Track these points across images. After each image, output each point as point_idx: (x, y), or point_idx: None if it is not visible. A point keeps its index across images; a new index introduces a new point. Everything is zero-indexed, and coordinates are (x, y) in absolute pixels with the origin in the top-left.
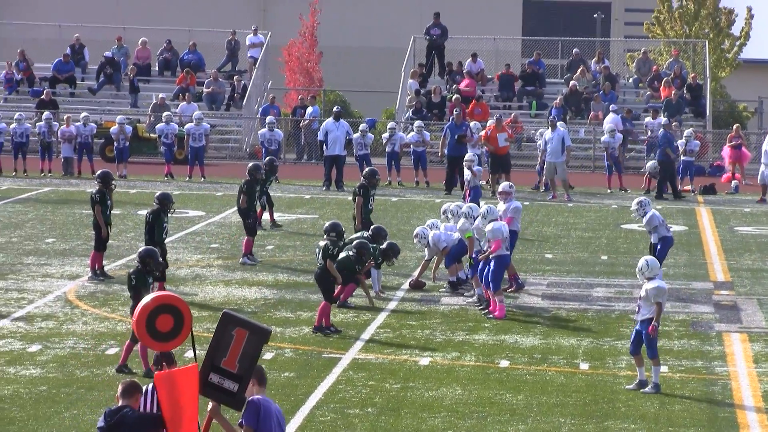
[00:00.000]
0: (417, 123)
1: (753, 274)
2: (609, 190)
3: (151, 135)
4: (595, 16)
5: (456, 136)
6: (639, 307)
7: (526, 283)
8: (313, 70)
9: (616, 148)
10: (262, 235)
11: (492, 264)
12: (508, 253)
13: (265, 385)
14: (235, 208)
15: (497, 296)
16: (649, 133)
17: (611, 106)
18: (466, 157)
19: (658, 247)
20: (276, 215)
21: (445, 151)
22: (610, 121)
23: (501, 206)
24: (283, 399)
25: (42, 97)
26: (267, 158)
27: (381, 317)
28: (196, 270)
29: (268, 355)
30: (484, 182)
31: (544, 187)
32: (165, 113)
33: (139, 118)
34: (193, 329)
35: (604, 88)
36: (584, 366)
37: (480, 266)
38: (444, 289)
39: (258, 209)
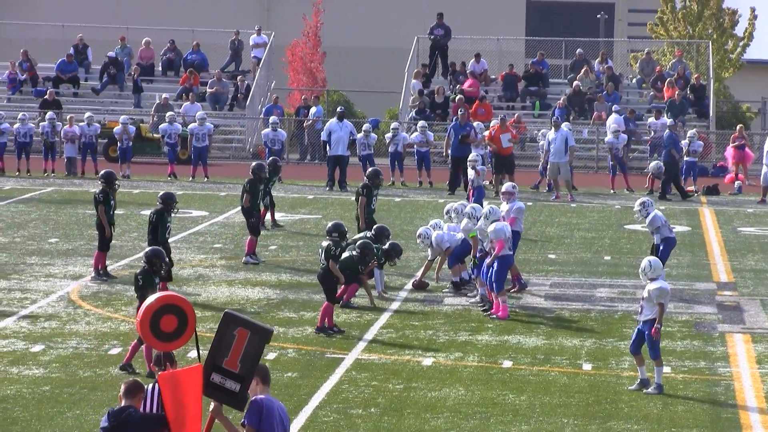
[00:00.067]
0: (420, 123)
1: (756, 275)
2: (612, 191)
3: (155, 135)
4: (598, 16)
5: (459, 136)
6: (642, 308)
7: (529, 283)
8: (317, 71)
9: (620, 149)
10: (265, 235)
11: (495, 264)
12: (511, 253)
13: (268, 384)
14: (239, 208)
15: (500, 297)
16: (652, 133)
17: (614, 107)
18: (470, 157)
19: (661, 247)
20: (279, 215)
21: (449, 152)
22: (613, 121)
23: (504, 207)
24: (286, 399)
25: (45, 97)
26: (270, 158)
27: (384, 317)
28: (199, 270)
29: (271, 356)
30: (487, 182)
31: (547, 188)
32: (168, 113)
33: (143, 118)
34: (197, 329)
35: (607, 88)
36: (587, 366)
37: (483, 266)
38: (447, 290)
39: (261, 209)
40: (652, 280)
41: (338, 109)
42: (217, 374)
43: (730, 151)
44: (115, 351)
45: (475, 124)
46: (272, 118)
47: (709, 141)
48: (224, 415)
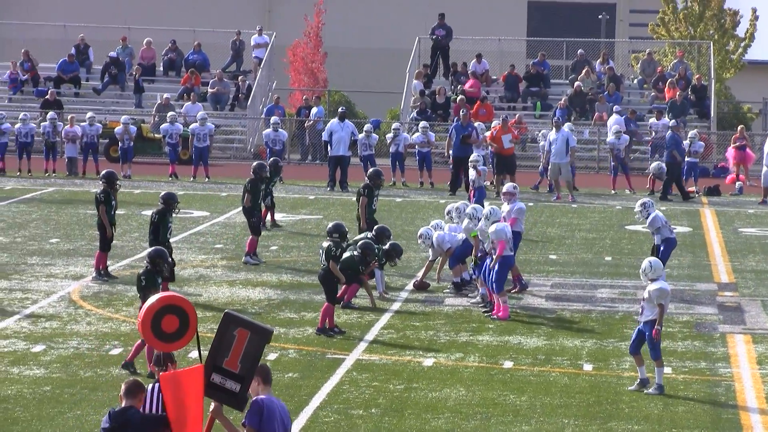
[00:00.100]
0: (422, 124)
1: (757, 276)
2: (613, 191)
3: (156, 135)
4: (599, 17)
5: (460, 137)
6: (642, 309)
7: (530, 284)
8: (318, 71)
9: (622, 150)
10: (266, 236)
11: (497, 265)
12: (512, 254)
13: (270, 384)
14: (240, 209)
15: (500, 297)
16: (654, 134)
17: (614, 107)
18: (471, 157)
19: (662, 248)
20: (279, 216)
21: (451, 152)
22: (614, 122)
23: (505, 207)
24: (286, 400)
25: (46, 97)
26: (271, 159)
27: (385, 318)
28: (200, 270)
29: (271, 356)
30: (488, 183)
31: (548, 188)
32: (169, 113)
33: (144, 118)
34: (198, 330)
35: (608, 89)
36: (588, 367)
37: (484, 267)
38: (448, 290)
39: (263, 209)
40: (653, 280)
41: (339, 110)
42: (218, 374)
43: (731, 152)
44: (115, 351)
45: (476, 124)
46: (273, 119)
47: (710, 142)
48: (224, 416)
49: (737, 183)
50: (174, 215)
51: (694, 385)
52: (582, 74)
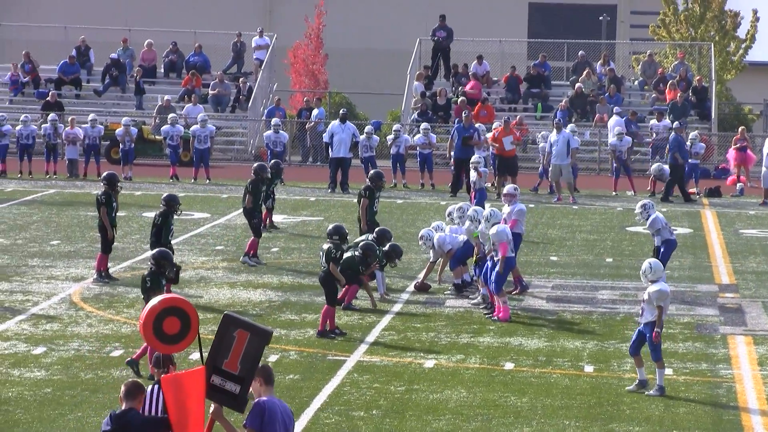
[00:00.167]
0: (423, 125)
1: (758, 277)
2: (614, 193)
3: (157, 137)
4: (600, 18)
5: (461, 138)
6: (642, 310)
7: (530, 285)
8: (319, 72)
9: (624, 152)
10: (267, 238)
11: (498, 266)
12: (513, 255)
13: (272, 385)
14: (241, 210)
15: (500, 298)
16: (654, 135)
17: (615, 109)
18: (473, 159)
19: (662, 250)
20: (280, 217)
21: (452, 153)
22: (614, 123)
23: (506, 209)
24: (287, 401)
25: (47, 98)
26: (272, 161)
27: (386, 319)
28: (201, 272)
29: (272, 357)
30: (489, 184)
31: (549, 190)
32: (170, 115)
33: (145, 120)
34: (200, 332)
35: (609, 90)
36: (589, 368)
37: (484, 267)
38: (449, 292)
39: (264, 211)
40: (653, 282)
41: (341, 111)
42: (217, 376)
43: (731, 154)
44: (116, 353)
45: (477, 125)
46: (274, 120)
47: (710, 143)
48: (225, 417)
49: (738, 184)
50: (176, 216)
51: (695, 387)
52: (583, 76)
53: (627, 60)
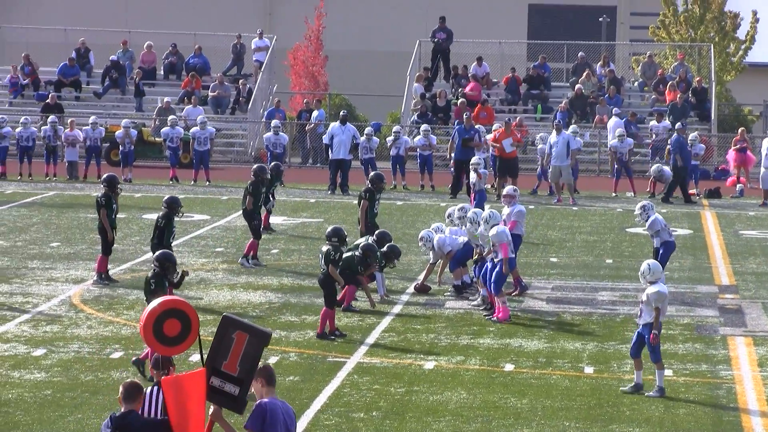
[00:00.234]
0: (424, 127)
1: (758, 278)
2: (614, 194)
3: (157, 139)
4: (600, 19)
5: (461, 140)
6: (641, 311)
7: (530, 286)
8: (319, 74)
9: (625, 153)
10: (267, 239)
11: (498, 267)
12: (513, 256)
13: (274, 385)
14: (240, 212)
15: (499, 298)
16: (654, 136)
17: (614, 110)
18: (473, 160)
19: (661, 251)
20: (280, 219)
21: (453, 155)
22: (614, 124)
23: (505, 210)
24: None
25: (47, 101)
26: (272, 163)
27: (386, 321)
28: (201, 274)
29: (272, 359)
30: (489, 186)
31: (549, 191)
32: (170, 117)
33: (144, 122)
34: (200, 333)
35: (609, 91)
36: (589, 370)
37: (484, 268)
38: (449, 293)
39: (264, 213)
40: (651, 283)
41: (341, 113)
42: (216, 377)
43: (731, 155)
44: (116, 355)
45: (477, 127)
46: (274, 122)
47: (710, 144)
48: (224, 419)
49: (738, 185)
50: (178, 218)
51: (695, 388)
52: (583, 77)
53: (627, 61)
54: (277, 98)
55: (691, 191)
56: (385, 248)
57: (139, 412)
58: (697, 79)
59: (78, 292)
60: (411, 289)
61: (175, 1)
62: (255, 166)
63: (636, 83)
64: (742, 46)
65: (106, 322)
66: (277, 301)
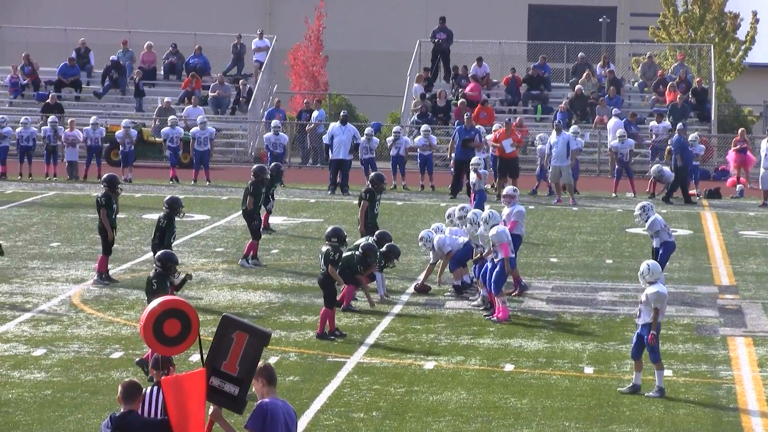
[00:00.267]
0: (424, 127)
1: (758, 278)
2: (614, 194)
3: (157, 139)
4: (600, 20)
5: (461, 140)
6: (640, 312)
7: (530, 286)
8: (319, 74)
9: (626, 154)
10: (267, 239)
11: (499, 266)
12: (514, 256)
13: (275, 385)
14: (240, 212)
15: (499, 298)
16: (654, 137)
17: (614, 110)
18: (473, 160)
19: (660, 251)
20: (280, 219)
21: (453, 155)
22: (614, 125)
23: (505, 210)
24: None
25: (47, 101)
26: (273, 164)
27: (386, 321)
28: (201, 274)
29: (272, 359)
30: (489, 186)
31: (548, 191)
32: (170, 117)
33: (145, 122)
34: (200, 333)
35: (609, 92)
36: (589, 370)
37: (484, 269)
38: (449, 293)
39: (264, 213)
40: (651, 283)
41: (342, 113)
42: (216, 377)
43: (731, 155)
44: (116, 355)
45: (477, 127)
46: (274, 122)
47: (710, 144)
48: (224, 419)
49: (738, 186)
50: (180, 218)
51: (695, 388)
52: (583, 77)
53: (627, 62)
54: (277, 98)
55: (691, 192)
56: (384, 248)
57: (139, 411)
58: (697, 79)
59: (78, 292)
60: (411, 290)
61: (175, 1)
62: (255, 166)
63: (636, 84)
64: (742, 47)
65: (106, 322)
66: (277, 301)
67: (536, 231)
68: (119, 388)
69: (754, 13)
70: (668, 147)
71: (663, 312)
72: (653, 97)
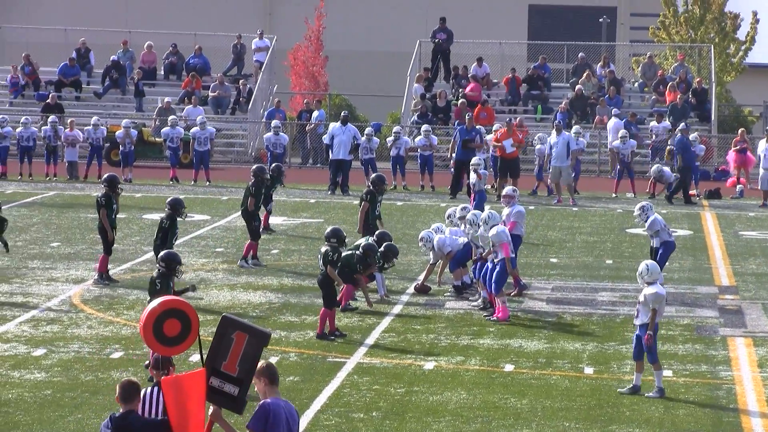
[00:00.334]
0: (424, 127)
1: (758, 279)
2: (614, 195)
3: (157, 139)
4: (600, 20)
5: (462, 141)
6: (638, 312)
7: (530, 287)
8: (319, 74)
9: (627, 154)
10: (267, 239)
11: (499, 267)
12: (514, 256)
13: (277, 384)
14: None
15: (499, 298)
16: (654, 137)
17: (613, 111)
18: (473, 161)
19: (660, 251)
20: (280, 219)
21: (454, 155)
22: (613, 125)
23: (505, 210)
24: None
25: (47, 101)
26: (274, 164)
27: (386, 321)
28: (201, 274)
29: (272, 359)
30: (489, 186)
31: (547, 191)
32: (170, 117)
33: (145, 122)
34: (200, 334)
35: (609, 92)
36: (589, 370)
37: (484, 269)
38: (449, 294)
39: (264, 213)
40: (649, 284)
41: (342, 114)
42: (216, 378)
43: (731, 155)
44: (116, 355)
45: (478, 127)
46: (274, 122)
47: (710, 145)
48: (224, 419)
49: (738, 186)
50: (182, 219)
51: (695, 389)
52: (583, 77)
53: (627, 62)
54: (277, 98)
55: (691, 192)
56: (382, 247)
57: (139, 412)
58: (697, 79)
59: (78, 292)
60: (411, 290)
61: (176, 1)
62: (254, 166)
63: (636, 84)
64: (742, 47)
65: (106, 322)
66: (277, 301)
67: (536, 231)
68: (117, 389)
69: (755, 14)
70: (668, 147)
71: (661, 313)
72: (653, 97)
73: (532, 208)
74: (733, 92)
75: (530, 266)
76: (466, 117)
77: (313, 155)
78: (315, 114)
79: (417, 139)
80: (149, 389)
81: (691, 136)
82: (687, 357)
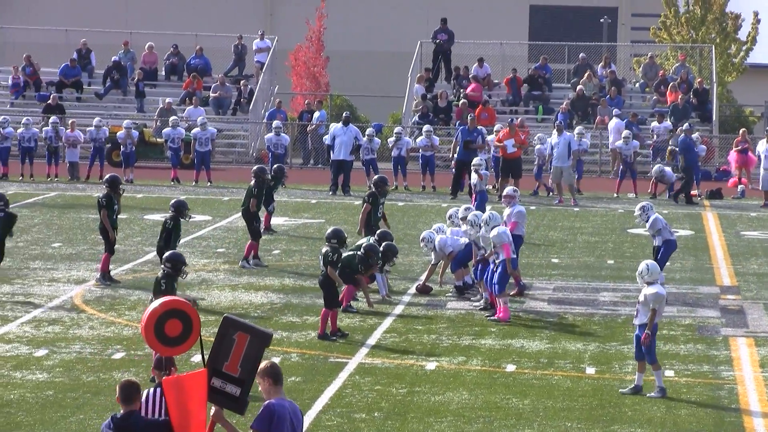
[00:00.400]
0: (426, 127)
1: (759, 279)
2: (616, 195)
3: (158, 140)
4: (601, 20)
5: (463, 141)
6: (637, 311)
7: (532, 287)
8: (320, 75)
9: (630, 155)
10: (268, 240)
11: (500, 267)
12: (515, 256)
13: (281, 384)
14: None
15: (501, 298)
16: (655, 137)
17: (614, 111)
18: (474, 161)
19: (662, 250)
20: (281, 219)
21: (455, 156)
22: (615, 125)
23: (506, 211)
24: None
25: (48, 101)
26: (275, 165)
27: (387, 322)
28: (203, 274)
29: (274, 360)
30: (490, 187)
31: (547, 191)
32: (171, 118)
33: (146, 122)
34: (202, 334)
35: (610, 92)
36: (590, 370)
37: (486, 271)
38: (450, 294)
39: (265, 214)
40: (649, 284)
41: (344, 114)
42: (218, 378)
43: (733, 156)
44: (118, 355)
45: (479, 128)
46: (275, 123)
47: (712, 145)
48: (226, 419)
49: (739, 186)
50: (186, 221)
51: (697, 389)
52: (584, 78)
53: (628, 62)
54: (278, 99)
55: (692, 192)
56: (382, 247)
57: (142, 412)
58: (699, 80)
59: (80, 293)
60: (412, 290)
61: (176, 1)
62: (255, 167)
63: (637, 84)
64: (744, 47)
65: (107, 323)
66: (278, 301)
67: (537, 231)
68: (117, 390)
69: (756, 14)
70: (669, 147)
71: (660, 313)
72: (654, 97)
73: (533, 208)
74: (735, 92)
75: (531, 266)
76: (469, 118)
77: (315, 156)
78: (316, 114)
79: (418, 139)
80: (151, 390)
81: (692, 137)
82: (689, 357)
